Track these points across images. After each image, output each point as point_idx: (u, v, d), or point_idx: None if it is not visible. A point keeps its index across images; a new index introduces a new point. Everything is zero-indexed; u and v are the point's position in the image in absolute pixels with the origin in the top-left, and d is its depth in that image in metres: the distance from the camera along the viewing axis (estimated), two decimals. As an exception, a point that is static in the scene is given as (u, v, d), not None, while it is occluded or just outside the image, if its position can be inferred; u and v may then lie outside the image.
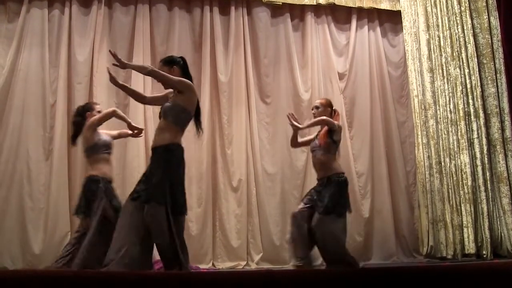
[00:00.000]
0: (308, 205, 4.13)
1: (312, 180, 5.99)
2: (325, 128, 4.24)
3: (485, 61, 5.77)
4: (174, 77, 3.47)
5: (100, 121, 4.12)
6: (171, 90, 3.58)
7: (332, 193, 4.05)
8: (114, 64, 3.41)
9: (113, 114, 4.14)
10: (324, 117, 4.20)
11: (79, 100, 5.60)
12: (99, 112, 4.21)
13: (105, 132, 4.26)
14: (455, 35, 5.86)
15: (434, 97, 5.90)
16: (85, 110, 4.26)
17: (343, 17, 6.74)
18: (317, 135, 4.36)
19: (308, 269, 3.73)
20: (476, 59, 5.76)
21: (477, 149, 5.61)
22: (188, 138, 5.56)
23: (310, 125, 4.41)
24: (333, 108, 4.42)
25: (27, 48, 5.60)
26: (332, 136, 4.18)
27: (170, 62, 3.60)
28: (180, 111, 3.43)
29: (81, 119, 4.22)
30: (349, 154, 6.30)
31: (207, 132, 5.90)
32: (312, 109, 4.46)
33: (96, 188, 3.94)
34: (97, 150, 4.08)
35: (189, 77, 3.58)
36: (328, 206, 4.00)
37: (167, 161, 3.34)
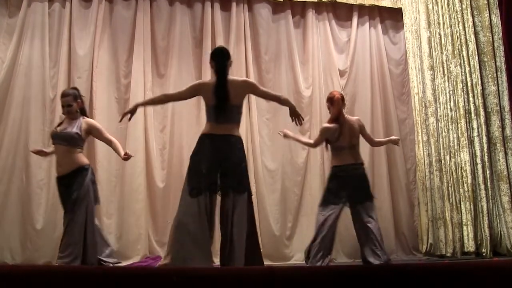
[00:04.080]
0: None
1: (312, 177, 6.01)
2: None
3: (486, 59, 5.76)
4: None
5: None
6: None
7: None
8: None
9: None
10: None
11: (80, 95, 5.60)
12: None
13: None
14: (456, 33, 5.85)
15: (434, 95, 5.89)
16: None
17: (344, 14, 6.72)
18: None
19: (308, 266, 3.74)
20: (477, 57, 5.75)
21: (477, 147, 5.61)
22: (190, 135, 5.59)
23: None
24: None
25: (27, 43, 5.58)
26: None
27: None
28: None
29: None
30: (349, 151, 6.30)
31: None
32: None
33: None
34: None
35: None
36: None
37: None
